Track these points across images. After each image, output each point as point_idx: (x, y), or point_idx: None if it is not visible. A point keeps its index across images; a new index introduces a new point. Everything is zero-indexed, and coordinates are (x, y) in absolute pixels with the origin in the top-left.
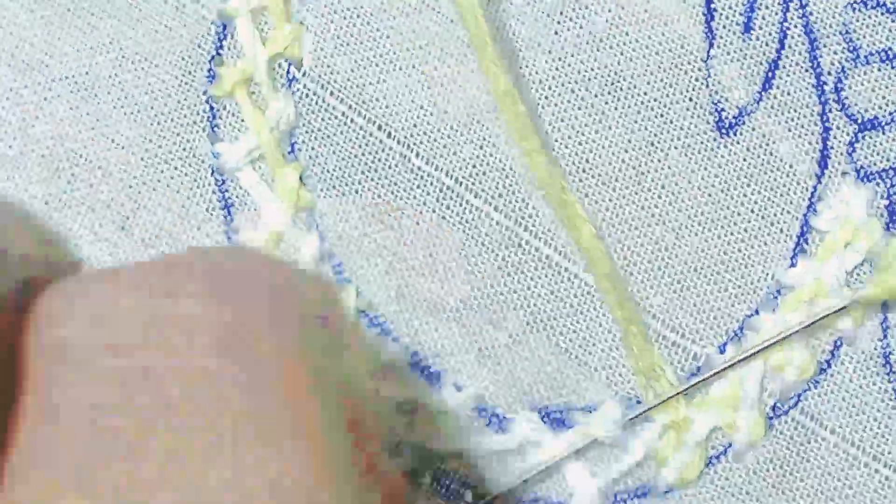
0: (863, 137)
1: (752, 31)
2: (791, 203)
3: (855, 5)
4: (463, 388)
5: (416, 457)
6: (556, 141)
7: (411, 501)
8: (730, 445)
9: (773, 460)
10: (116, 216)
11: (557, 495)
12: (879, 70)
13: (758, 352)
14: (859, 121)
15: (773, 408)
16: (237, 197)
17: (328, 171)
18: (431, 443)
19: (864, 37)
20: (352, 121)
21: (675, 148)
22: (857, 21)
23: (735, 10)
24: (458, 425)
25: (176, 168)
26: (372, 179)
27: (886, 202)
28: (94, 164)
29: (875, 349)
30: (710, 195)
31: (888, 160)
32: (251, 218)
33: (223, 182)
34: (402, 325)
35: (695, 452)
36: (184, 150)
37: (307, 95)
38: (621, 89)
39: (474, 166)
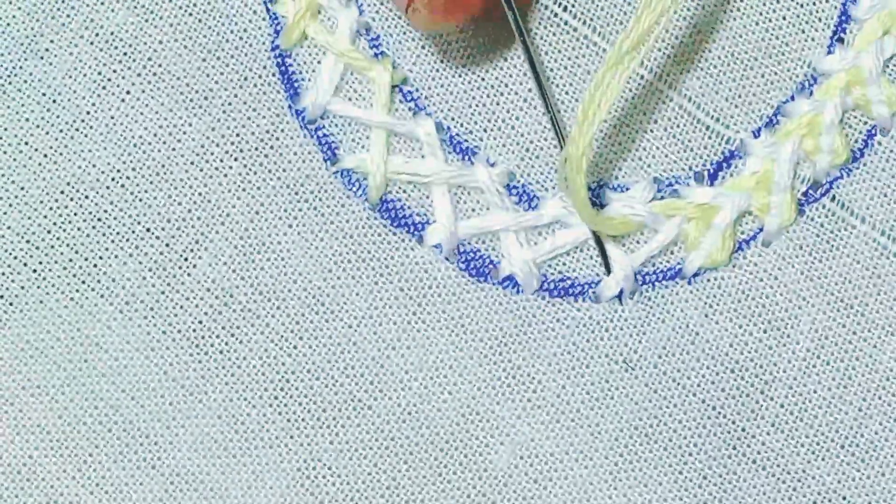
0: None
1: None
2: None
3: None
4: (495, 164)
5: None
6: None
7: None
8: (760, 230)
9: (803, 247)
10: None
11: (585, 276)
12: None
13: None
14: None
15: (805, 194)
16: None
17: None
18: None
19: None
20: None
21: None
22: None
23: None
24: (488, 201)
25: None
26: None
27: None
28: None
29: None
30: None
31: None
32: None
33: None
34: (437, 100)
35: (724, 235)
36: None
37: None
38: None
39: None
